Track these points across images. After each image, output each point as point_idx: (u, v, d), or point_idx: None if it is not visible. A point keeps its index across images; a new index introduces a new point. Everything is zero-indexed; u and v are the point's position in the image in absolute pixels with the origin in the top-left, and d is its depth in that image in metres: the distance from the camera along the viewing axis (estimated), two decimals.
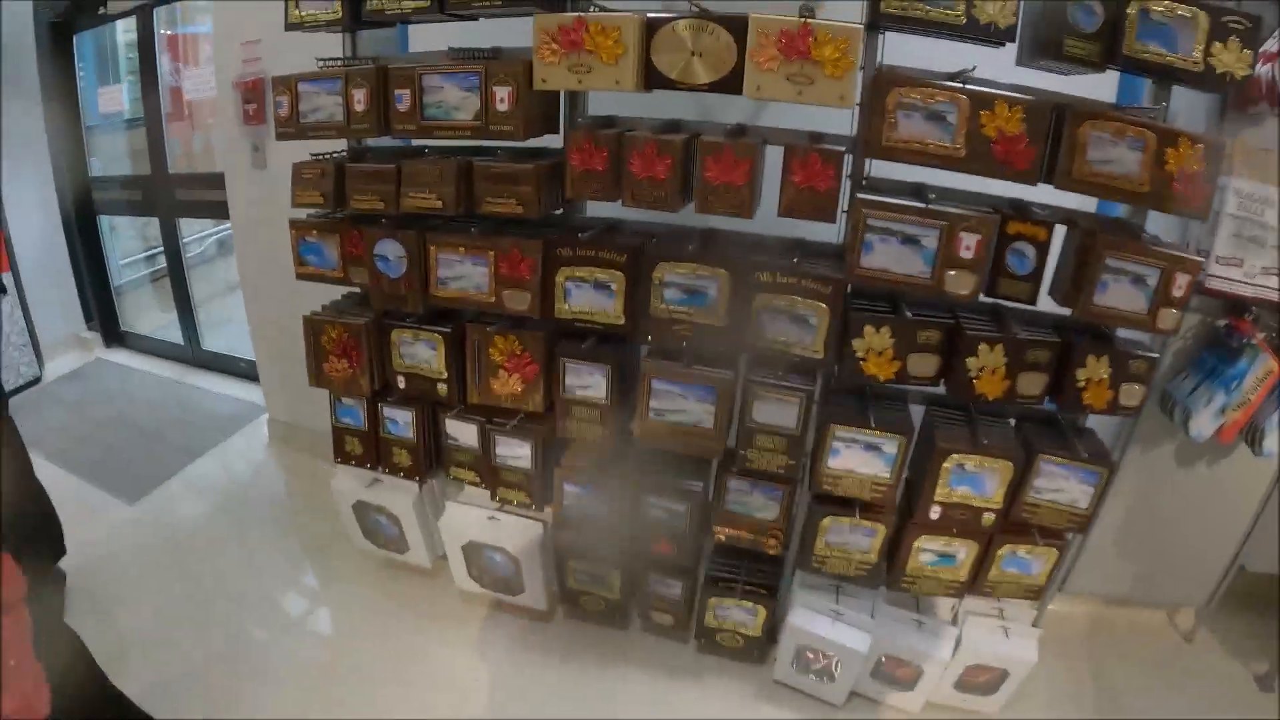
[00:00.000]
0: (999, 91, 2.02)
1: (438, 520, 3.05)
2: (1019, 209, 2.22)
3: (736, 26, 2.06)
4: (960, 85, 2.05)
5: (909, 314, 2.21)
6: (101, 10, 5.29)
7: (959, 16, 2.00)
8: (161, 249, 5.47)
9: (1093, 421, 2.38)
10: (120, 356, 5.88)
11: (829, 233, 2.26)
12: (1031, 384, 2.15)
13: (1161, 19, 1.97)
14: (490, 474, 2.82)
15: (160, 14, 5.00)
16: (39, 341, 5.46)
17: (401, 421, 2.94)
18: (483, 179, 2.35)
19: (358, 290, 2.92)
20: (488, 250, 2.43)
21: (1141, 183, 1.95)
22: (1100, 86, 2.25)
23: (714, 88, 2.11)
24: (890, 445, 2.28)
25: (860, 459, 2.32)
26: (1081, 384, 2.14)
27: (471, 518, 2.96)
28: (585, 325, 2.43)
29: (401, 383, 2.83)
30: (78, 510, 3.75)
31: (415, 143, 2.77)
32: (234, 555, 3.61)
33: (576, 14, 2.13)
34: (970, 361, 2.13)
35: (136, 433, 4.76)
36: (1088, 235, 2.06)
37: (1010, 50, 2.10)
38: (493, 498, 2.88)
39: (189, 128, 5.24)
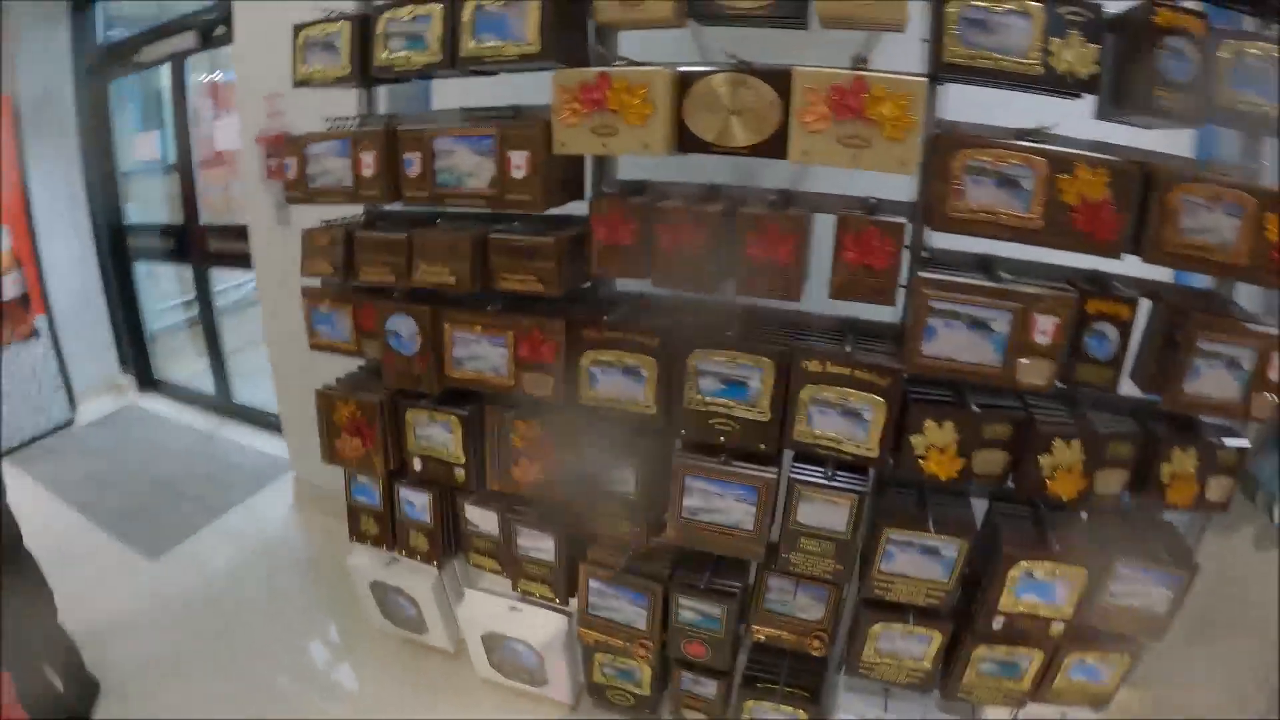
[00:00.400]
0: (1080, 152, 1.76)
1: (457, 607, 2.82)
2: (1098, 283, 1.94)
3: (780, 81, 1.81)
4: (1037, 145, 1.78)
5: (975, 406, 1.93)
6: (136, 57, 5.26)
7: (1034, 65, 1.73)
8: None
9: None
10: (153, 403, 5.83)
11: (885, 308, 1.99)
12: (1110, 481, 1.91)
13: (1257, 63, 1.72)
14: (512, 563, 2.59)
15: (195, 60, 4.93)
16: (72, 385, 5.48)
17: (418, 504, 2.72)
18: (499, 253, 2.13)
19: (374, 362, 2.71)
20: (506, 330, 2.21)
21: (1238, 254, 1.72)
22: (1173, 138, 1.98)
23: (755, 151, 1.86)
24: (950, 549, 2.01)
25: (916, 563, 2.05)
26: (1166, 480, 1.90)
27: (492, 607, 2.73)
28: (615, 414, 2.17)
29: (418, 465, 2.62)
30: (98, 565, 3.70)
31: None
32: (252, 623, 3.44)
33: (600, 70, 1.89)
34: (1044, 460, 1.88)
35: (163, 485, 4.65)
36: (1177, 314, 1.83)
37: (1072, 102, 1.83)
38: (514, 588, 2.64)
39: (223, 176, 5.16)
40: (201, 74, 5.05)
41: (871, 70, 1.75)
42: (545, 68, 1.99)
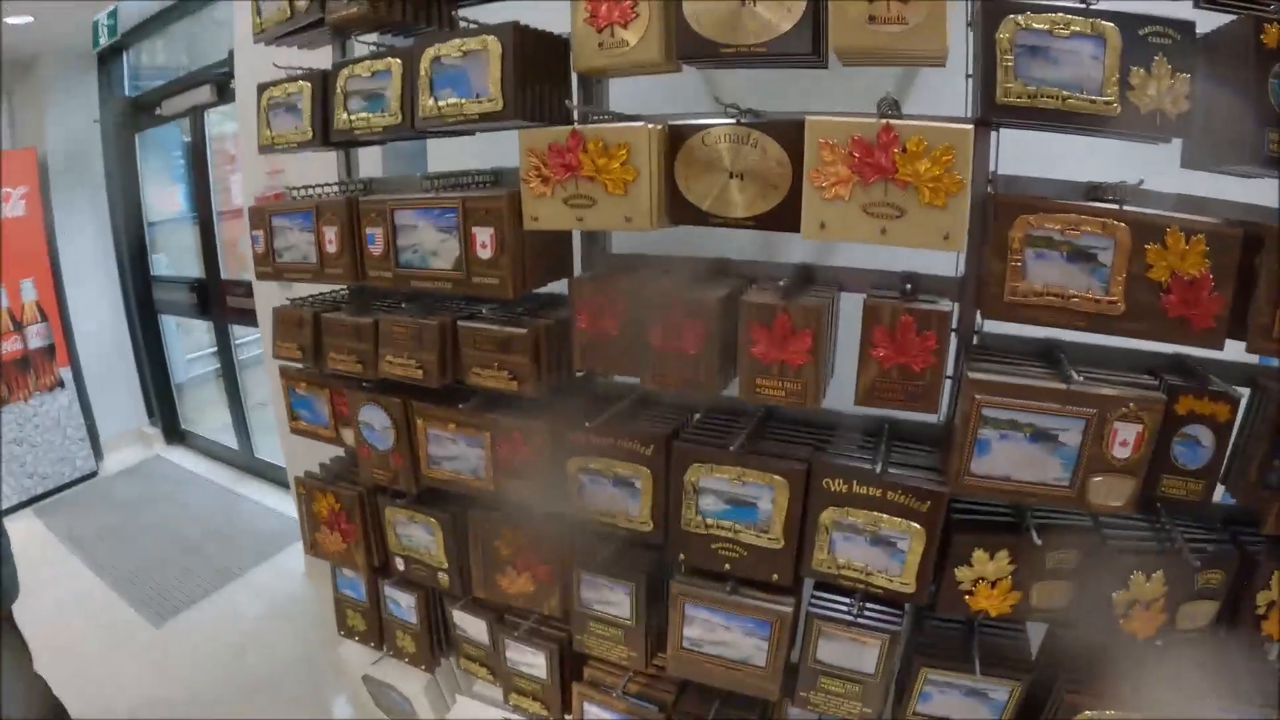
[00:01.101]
0: (1170, 214, 1.37)
1: (451, 709, 2.52)
2: (1186, 373, 1.54)
3: (790, 135, 1.47)
4: (1117, 208, 1.39)
5: (1035, 533, 1.51)
6: (159, 110, 5.19)
7: (1112, 105, 1.36)
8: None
9: None
10: (179, 455, 5.77)
11: None
12: (1197, 616, 1.55)
13: None
14: (503, 675, 2.27)
15: (217, 113, 4.82)
16: (99, 436, 5.43)
17: (404, 605, 2.43)
18: (469, 345, 1.82)
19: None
20: (482, 430, 1.89)
21: None
22: (1258, 185, 1.52)
23: (762, 223, 1.52)
24: (1000, 692, 1.64)
25: (959, 705, 1.68)
26: (1260, 609, 1.53)
27: (486, 715, 2.42)
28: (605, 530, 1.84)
29: (401, 565, 2.32)
30: (104, 628, 3.67)
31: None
32: (248, 702, 3.27)
33: (570, 128, 1.57)
34: (1118, 596, 1.52)
35: (179, 544, 4.57)
36: None
37: (1145, 147, 1.45)
38: (505, 699, 2.32)
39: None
40: (222, 127, 4.93)
41: (903, 117, 1.39)
42: (512, 127, 1.68)
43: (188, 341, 5.99)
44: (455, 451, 1.97)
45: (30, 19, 4.58)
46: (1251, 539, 1.56)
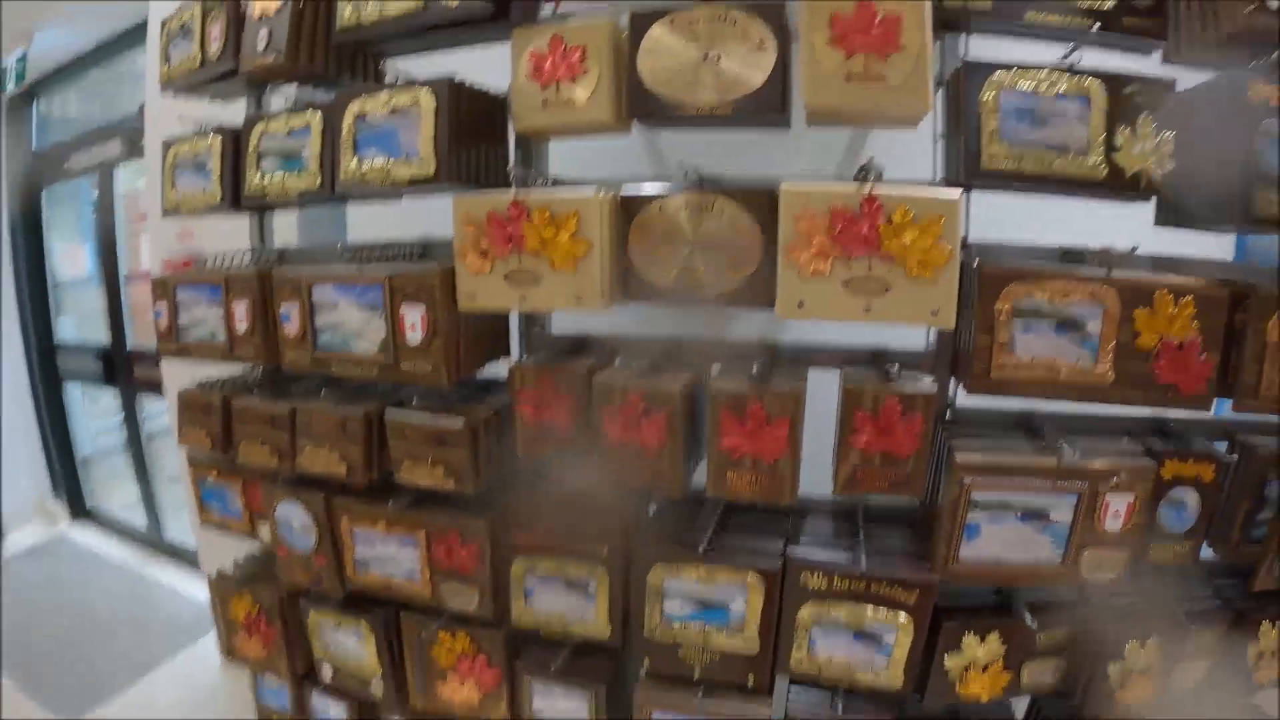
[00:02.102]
0: (1155, 278, 1.31)
1: None
2: (1166, 435, 1.53)
3: (759, 203, 1.32)
4: (1106, 273, 1.31)
5: (1029, 616, 1.44)
6: (66, 164, 4.86)
7: (1097, 168, 1.30)
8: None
9: None
10: (85, 534, 5.29)
11: None
12: (1191, 674, 1.54)
13: None
14: None
15: (127, 170, 4.51)
16: (1, 509, 4.97)
17: (337, 717, 2.14)
18: (399, 437, 1.60)
19: None
20: (416, 529, 1.67)
21: None
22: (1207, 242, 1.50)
23: (731, 300, 1.36)
24: None
25: None
26: (1252, 662, 1.53)
27: None
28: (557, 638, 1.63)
29: (328, 673, 2.05)
30: None
31: None
32: None
33: (513, 195, 1.40)
34: (1113, 670, 1.48)
35: (87, 634, 4.12)
36: (1268, 466, 1.42)
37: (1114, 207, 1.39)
38: None
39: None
40: (135, 183, 4.61)
41: (888, 182, 1.26)
42: (445, 193, 1.50)
43: (95, 411, 5.56)
44: (386, 553, 1.75)
45: None
46: (1237, 594, 1.55)
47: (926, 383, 1.38)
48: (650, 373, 1.45)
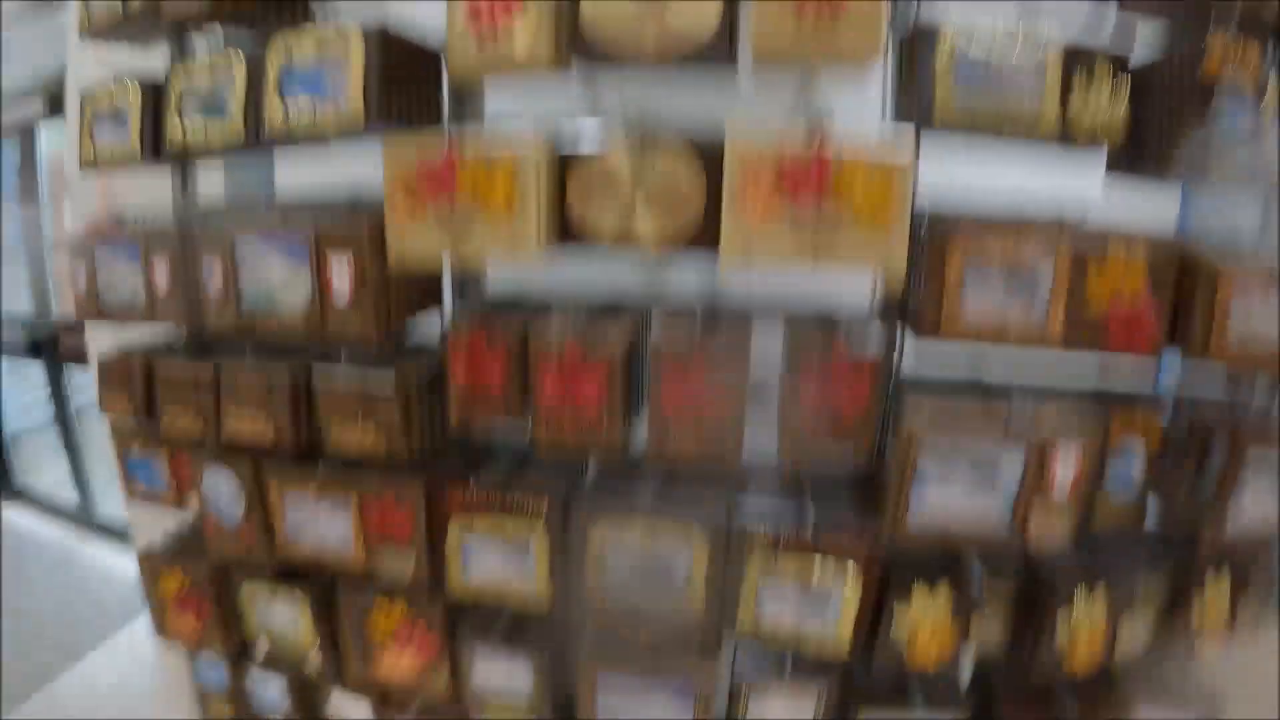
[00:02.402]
0: (1110, 234, 1.32)
1: None
2: (1109, 396, 1.51)
3: (706, 147, 1.27)
4: (1060, 228, 1.32)
5: (977, 572, 1.47)
6: None
7: (1049, 129, 1.29)
8: None
9: None
10: (13, 515, 5.06)
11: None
12: (1133, 635, 1.54)
13: None
14: None
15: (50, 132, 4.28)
16: None
17: (275, 692, 2.08)
18: (328, 401, 1.52)
19: None
20: (348, 492, 1.60)
21: None
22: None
23: (674, 248, 1.31)
24: None
25: None
26: (1198, 621, 1.57)
27: None
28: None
29: (265, 646, 1.98)
30: None
31: None
32: None
33: (444, 140, 1.32)
34: (1060, 630, 1.46)
35: (16, 620, 3.93)
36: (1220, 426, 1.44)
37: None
38: None
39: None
40: (57, 146, 4.39)
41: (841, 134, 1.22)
42: (375, 139, 1.42)
43: (22, 386, 5.32)
44: (318, 520, 1.67)
45: None
46: (1184, 553, 1.55)
47: (874, 336, 1.35)
48: (588, 326, 1.40)
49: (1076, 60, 1.28)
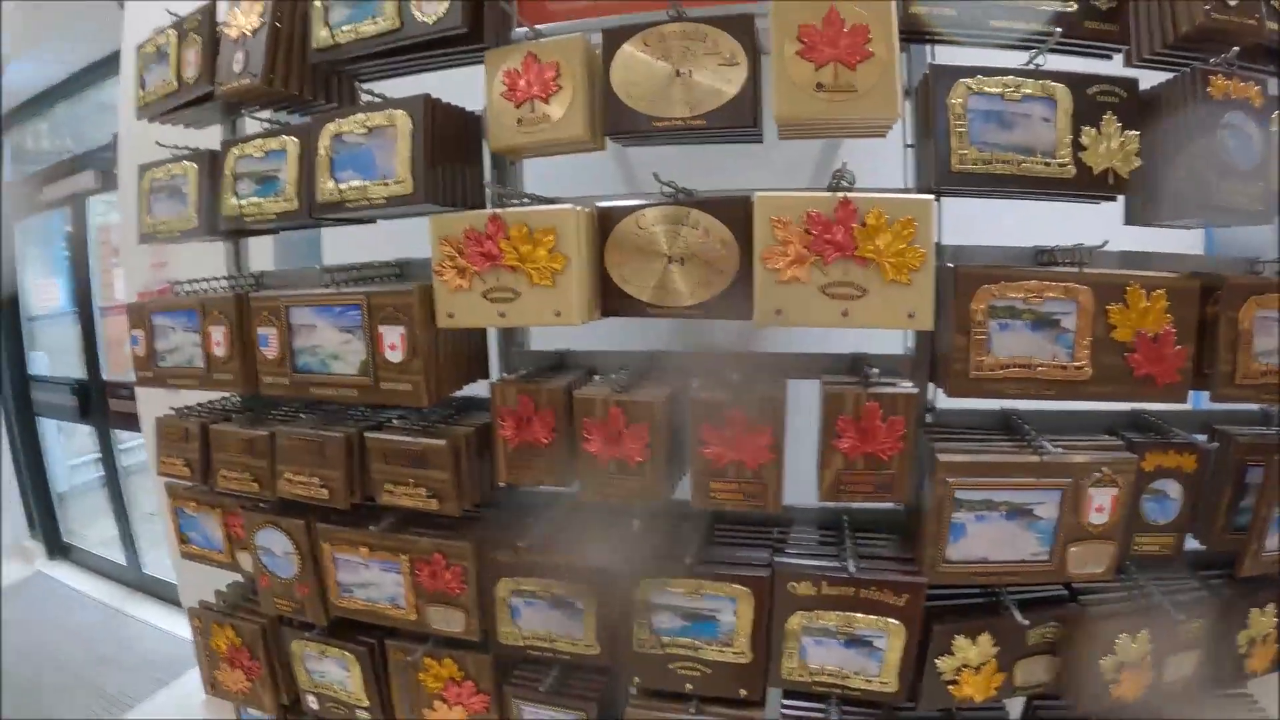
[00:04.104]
0: (1130, 272, 1.34)
1: None
2: (1145, 428, 1.54)
3: (735, 213, 1.33)
4: (1078, 270, 1.34)
5: (1017, 613, 1.42)
6: (39, 196, 4.82)
7: (1066, 166, 1.32)
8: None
9: None
10: (63, 572, 5.20)
11: None
12: (1183, 665, 1.53)
13: None
14: None
15: (100, 204, 4.47)
16: None
17: None
18: (380, 459, 1.59)
19: None
20: (399, 553, 1.65)
21: None
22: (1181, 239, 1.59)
23: (708, 312, 1.37)
24: None
25: None
26: (1243, 649, 1.55)
27: None
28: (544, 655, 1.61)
29: (313, 703, 2.01)
30: None
31: None
32: None
33: (490, 212, 1.40)
34: (1106, 664, 1.46)
35: (64, 673, 4.03)
36: (1250, 453, 1.46)
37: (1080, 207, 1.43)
38: None
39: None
40: (107, 217, 4.57)
41: (861, 190, 1.28)
42: (422, 212, 1.50)
43: (70, 447, 5.47)
44: (369, 578, 1.72)
45: None
46: (1222, 581, 1.56)
47: (905, 384, 1.38)
48: (630, 386, 1.45)
49: (1085, 95, 1.32)
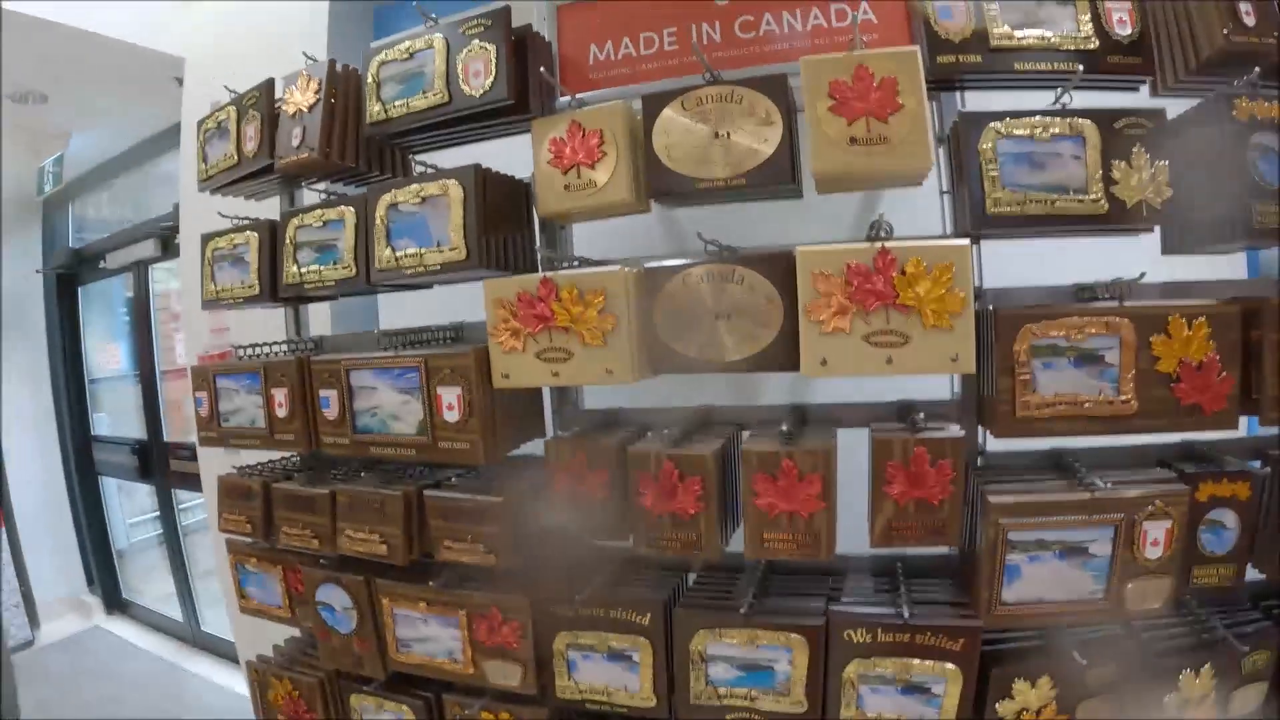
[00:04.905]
0: (1169, 303, 1.34)
1: None
2: (1197, 458, 1.51)
3: (778, 268, 1.37)
4: (1118, 304, 1.36)
5: (1077, 654, 1.40)
6: (103, 263, 5.04)
7: (1099, 202, 1.34)
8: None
9: None
10: (120, 626, 5.30)
11: None
12: (1248, 700, 1.48)
13: None
14: None
15: (163, 270, 4.66)
16: (35, 603, 5.00)
17: None
18: (438, 516, 1.63)
19: None
20: (457, 609, 1.69)
21: None
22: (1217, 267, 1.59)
23: (756, 365, 1.40)
24: None
25: None
26: None
27: None
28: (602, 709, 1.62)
29: None
30: None
31: None
32: None
33: (542, 275, 1.46)
34: (1169, 701, 1.42)
35: None
36: None
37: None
38: None
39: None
40: (167, 284, 4.77)
41: (899, 239, 1.31)
42: (476, 277, 1.57)
43: (129, 505, 5.62)
44: (427, 633, 1.75)
45: None
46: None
47: (952, 429, 1.40)
48: (682, 441, 1.48)
49: (1113, 129, 1.34)
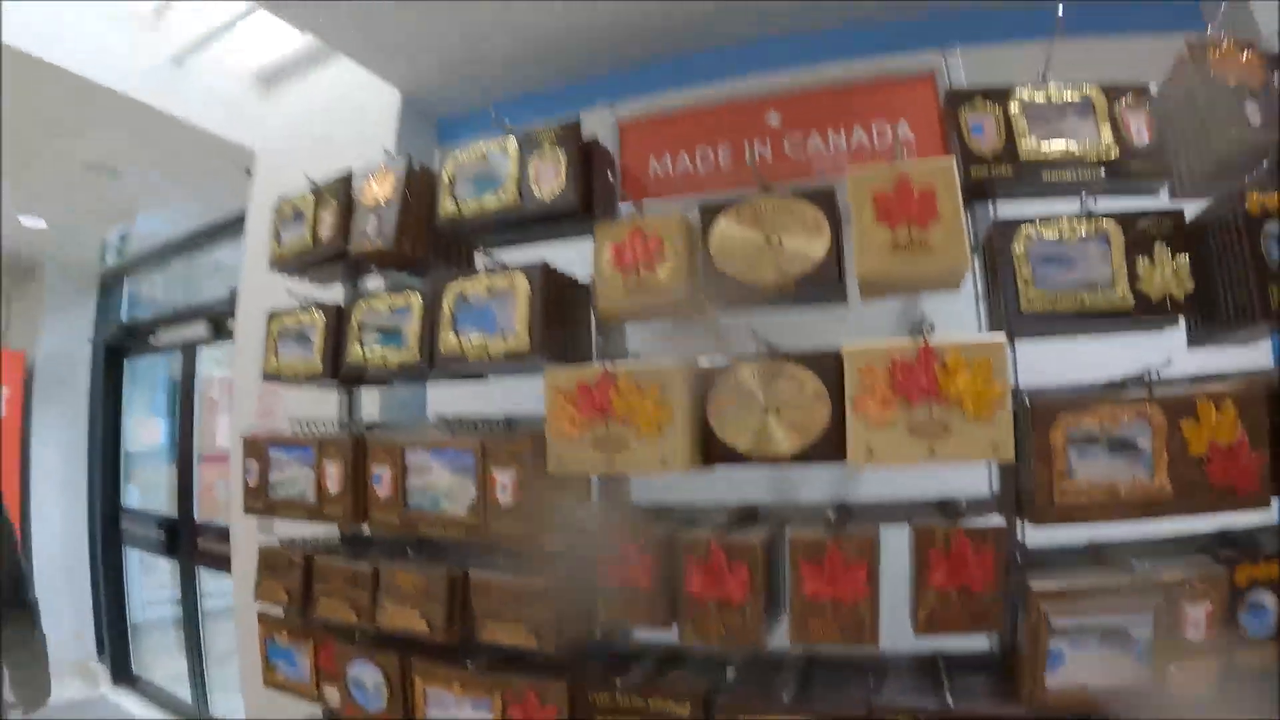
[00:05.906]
0: (1197, 388, 1.40)
1: None
2: (1232, 544, 1.50)
3: (825, 365, 1.44)
4: (1148, 394, 1.40)
5: None
6: (152, 339, 5.20)
7: (1124, 298, 1.42)
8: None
9: None
10: (125, 699, 5.18)
11: None
12: None
13: None
14: None
15: (213, 353, 4.80)
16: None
17: None
18: (482, 596, 1.67)
19: None
20: (492, 691, 1.69)
21: None
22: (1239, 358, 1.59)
23: (803, 457, 1.45)
24: None
25: None
26: None
27: None
28: None
29: None
30: None
31: None
32: None
33: (602, 368, 1.54)
34: None
35: None
36: None
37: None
38: None
39: (223, 473, 4.87)
40: (217, 367, 4.90)
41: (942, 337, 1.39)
42: (537, 368, 1.65)
43: (149, 581, 5.60)
44: (459, 715, 1.75)
45: (44, 224, 4.66)
46: None
47: (993, 518, 1.43)
48: (730, 529, 1.52)
49: (1135, 228, 1.42)
